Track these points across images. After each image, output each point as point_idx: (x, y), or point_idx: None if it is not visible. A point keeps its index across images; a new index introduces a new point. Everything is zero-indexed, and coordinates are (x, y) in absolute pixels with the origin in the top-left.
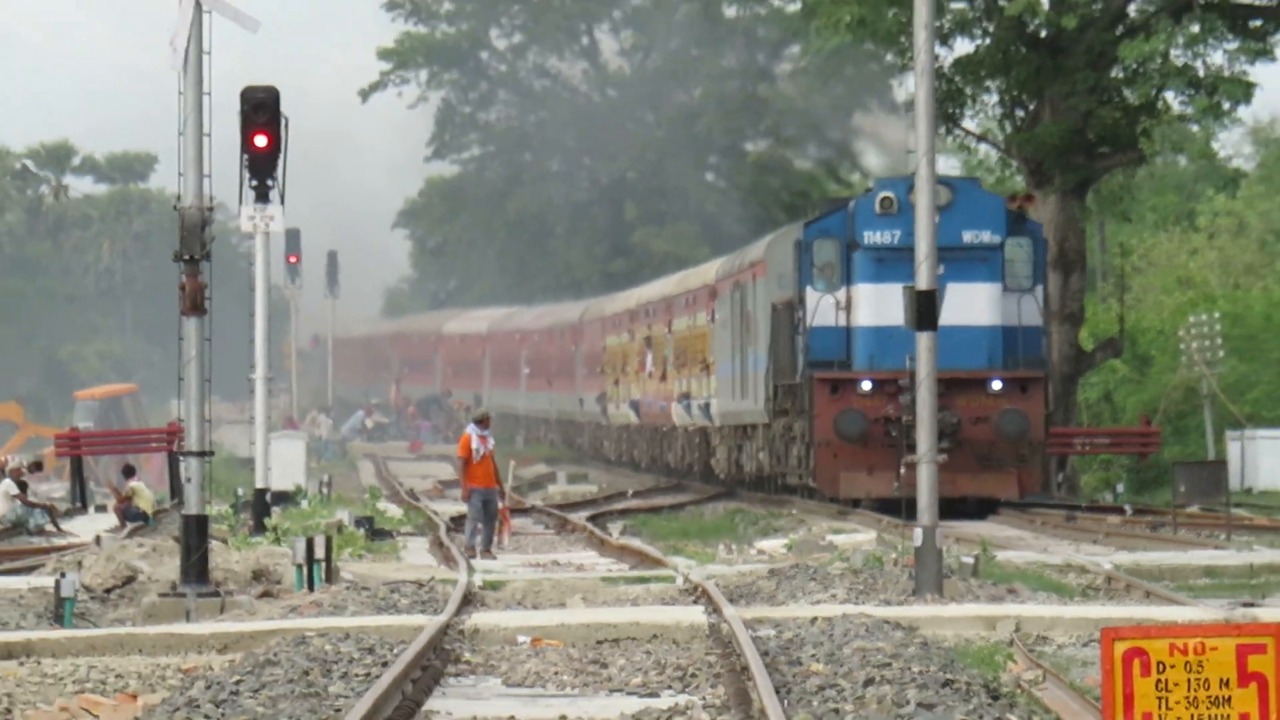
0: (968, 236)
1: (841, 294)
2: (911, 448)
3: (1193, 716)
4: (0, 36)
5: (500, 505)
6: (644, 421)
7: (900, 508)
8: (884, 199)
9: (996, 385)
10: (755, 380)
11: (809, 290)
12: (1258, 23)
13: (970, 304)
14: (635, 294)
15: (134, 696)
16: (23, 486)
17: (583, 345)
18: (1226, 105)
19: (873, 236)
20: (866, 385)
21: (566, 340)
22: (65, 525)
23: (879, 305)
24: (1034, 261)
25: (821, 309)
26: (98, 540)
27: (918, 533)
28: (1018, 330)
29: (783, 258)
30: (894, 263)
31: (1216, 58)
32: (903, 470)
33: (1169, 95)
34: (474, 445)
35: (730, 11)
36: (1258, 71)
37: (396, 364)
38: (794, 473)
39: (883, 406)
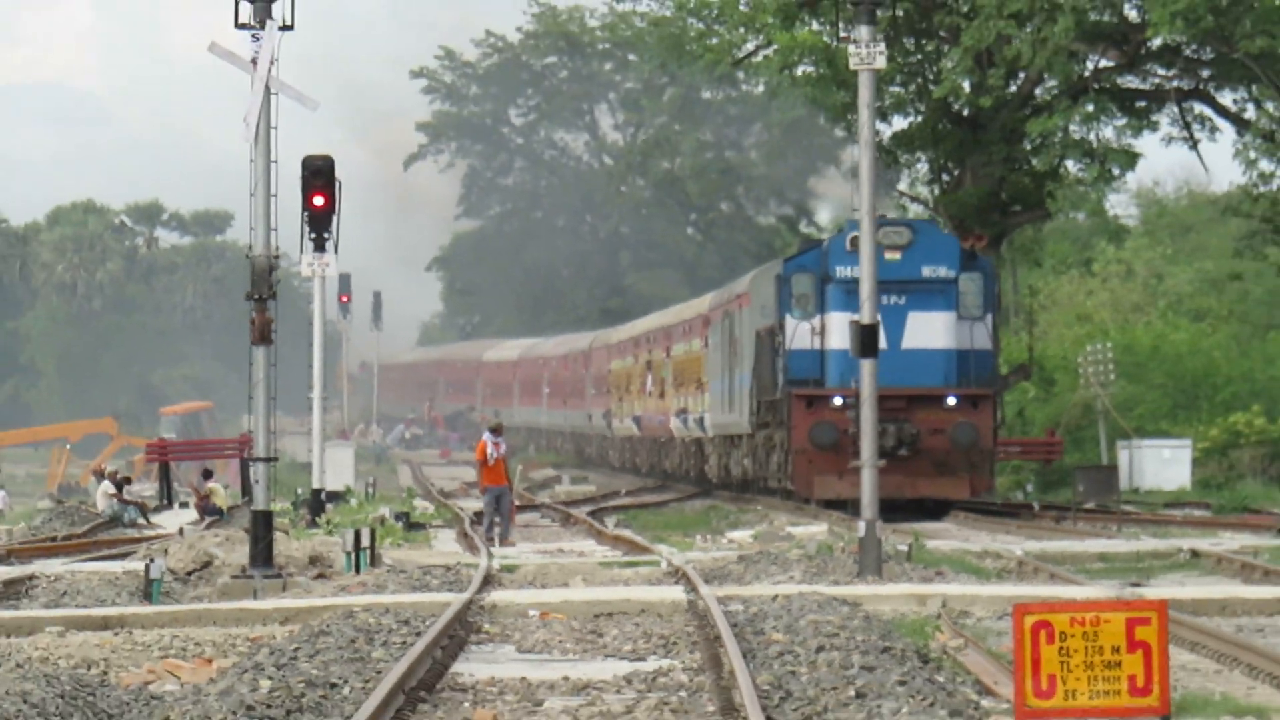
0: (926, 271)
1: (816, 321)
2: (858, 454)
3: (1089, 678)
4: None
5: (511, 501)
6: (644, 434)
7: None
8: (854, 238)
9: (951, 401)
10: (741, 396)
11: (788, 318)
12: (1142, 104)
13: (929, 330)
14: (638, 324)
15: (209, 661)
16: (119, 486)
17: (591, 369)
18: (1116, 171)
19: (843, 271)
20: (837, 401)
21: (579, 365)
22: (154, 519)
23: (848, 331)
24: (984, 293)
25: (799, 334)
26: (181, 532)
27: (861, 525)
28: (970, 353)
29: (765, 290)
30: None
31: (1108, 132)
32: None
33: (1069, 163)
34: (489, 450)
35: (706, 94)
36: (1141, 143)
37: (442, 386)
38: (773, 477)
39: (852, 419)
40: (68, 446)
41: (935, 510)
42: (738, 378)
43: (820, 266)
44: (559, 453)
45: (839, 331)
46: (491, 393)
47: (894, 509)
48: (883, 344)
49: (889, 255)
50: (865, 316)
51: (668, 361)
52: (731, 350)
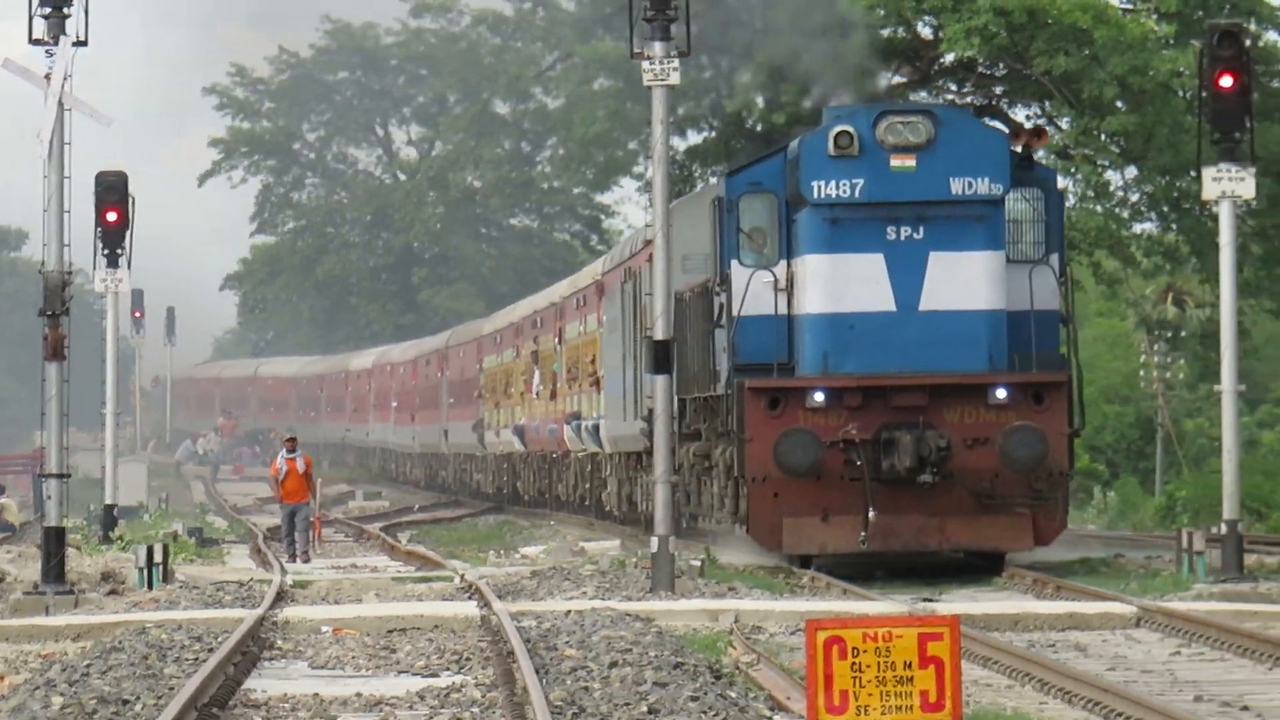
0: (957, 187)
1: (781, 270)
2: (883, 480)
3: (881, 693)
4: None
5: (313, 516)
6: (531, 449)
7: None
8: (840, 135)
9: (1001, 394)
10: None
11: (735, 266)
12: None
13: (962, 281)
14: (523, 304)
15: (1, 677)
16: None
17: (448, 372)
18: None
19: (825, 188)
20: (819, 397)
21: (432, 369)
22: None
23: (836, 285)
24: (1048, 221)
25: (754, 292)
26: None
27: (654, 541)
28: (1029, 316)
29: (695, 228)
30: (855, 224)
31: None
32: (872, 515)
33: None
34: (280, 466)
35: (502, 109)
36: None
37: (254, 401)
38: (711, 514)
39: (841, 426)
40: None
41: (979, 563)
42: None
43: (785, 183)
44: (406, 479)
45: (820, 285)
46: (334, 407)
47: (904, 563)
48: (888, 304)
49: (897, 162)
50: (658, 333)
51: (560, 348)
52: (638, 327)
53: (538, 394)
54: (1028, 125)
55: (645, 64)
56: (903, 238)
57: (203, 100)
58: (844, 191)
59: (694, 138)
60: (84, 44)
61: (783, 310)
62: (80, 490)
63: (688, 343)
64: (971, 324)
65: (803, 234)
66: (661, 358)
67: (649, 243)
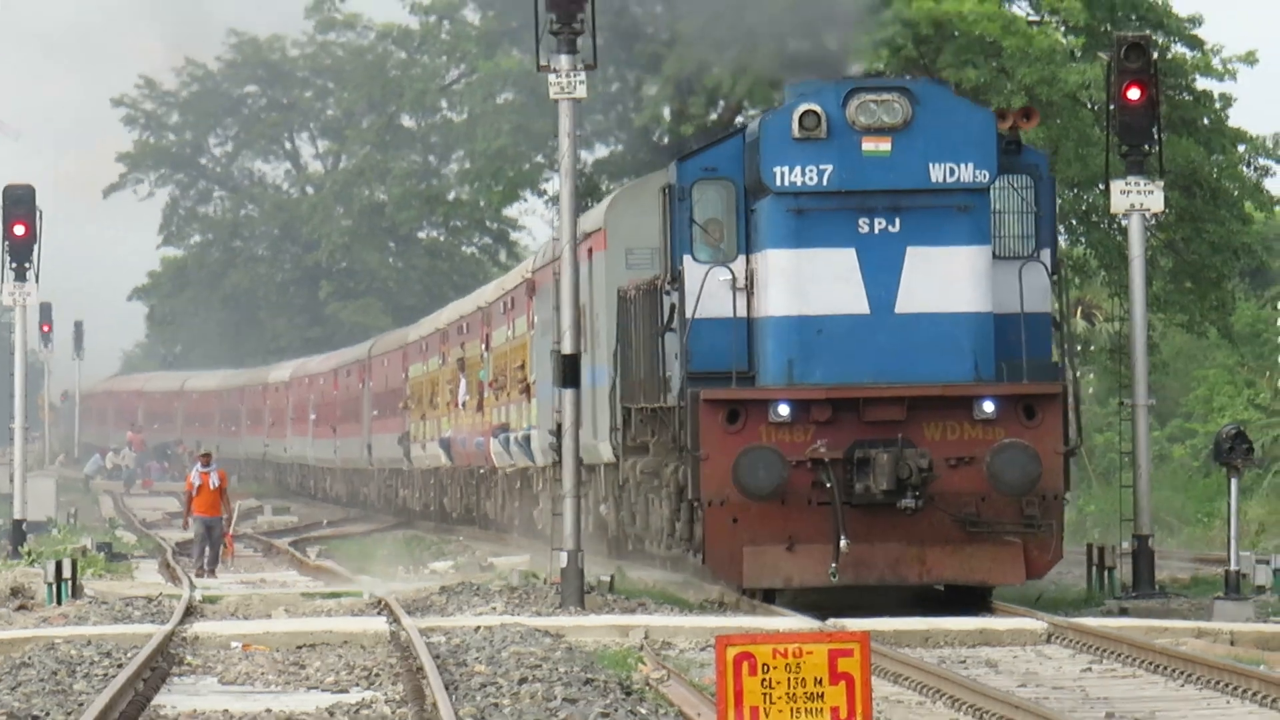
0: (938, 173)
1: (739, 266)
2: (856, 504)
3: (792, 710)
4: None
5: (225, 531)
6: (458, 464)
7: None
8: (806, 114)
9: (988, 407)
10: (594, 403)
11: (688, 262)
12: None
13: (943, 279)
14: (449, 309)
15: None
16: None
17: (371, 383)
18: None
19: (789, 175)
20: (784, 410)
21: (354, 380)
22: None
23: (801, 284)
24: (1038, 211)
25: (709, 291)
26: None
27: (562, 556)
28: (1018, 319)
29: (640, 219)
30: (823, 216)
31: None
32: (843, 545)
33: None
34: (194, 480)
35: (409, 122)
36: None
37: (142, 415)
38: (658, 538)
39: (809, 443)
40: None
41: (961, 597)
42: (585, 372)
43: (744, 169)
44: (327, 495)
45: (783, 284)
46: (255, 421)
47: (876, 598)
48: (861, 305)
49: (869, 146)
50: (566, 346)
51: (488, 356)
52: (575, 328)
53: (464, 405)
54: (1025, 110)
55: (551, 77)
56: (876, 231)
57: (111, 112)
58: (810, 179)
59: (601, 151)
60: None
61: (742, 312)
62: None
63: (633, 346)
64: (954, 328)
65: (764, 226)
66: (570, 371)
67: (589, 234)
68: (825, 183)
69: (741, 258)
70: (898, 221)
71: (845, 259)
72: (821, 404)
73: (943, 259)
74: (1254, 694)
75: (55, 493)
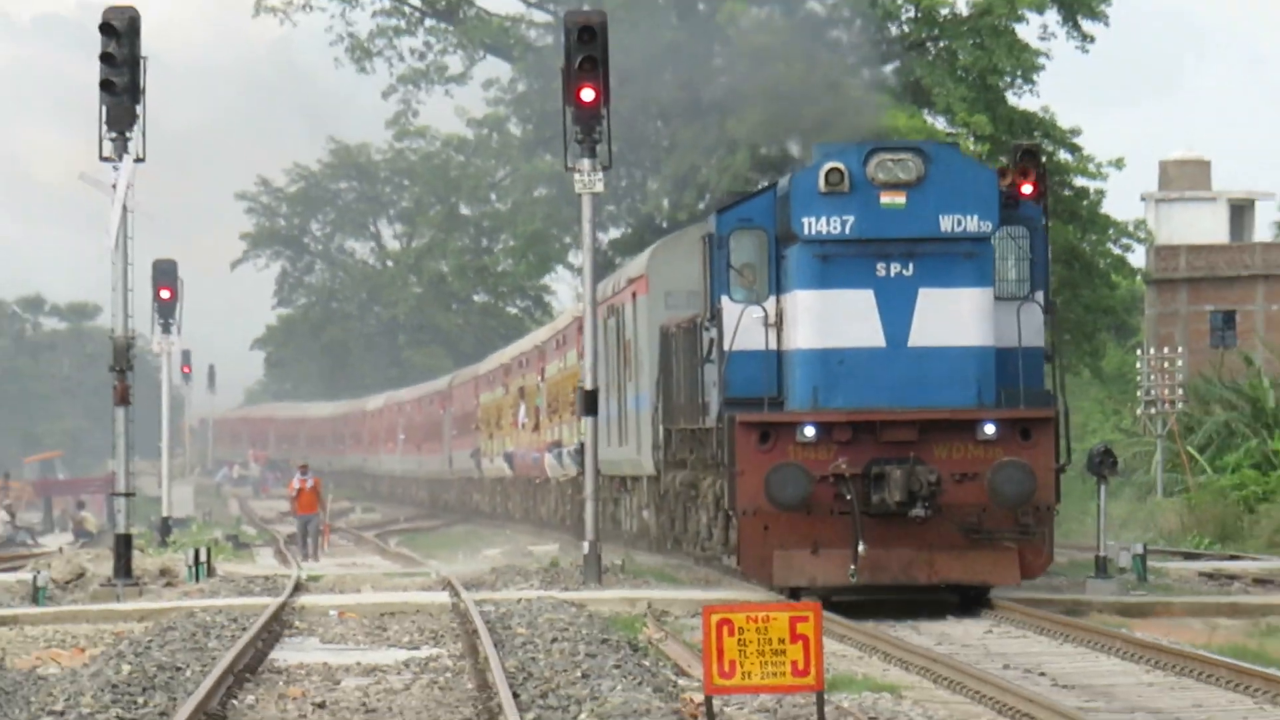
0: (946, 224)
1: (770, 305)
2: (873, 514)
3: (761, 662)
4: None
5: (322, 524)
6: (518, 474)
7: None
8: (831, 172)
9: (990, 430)
10: (639, 423)
11: (725, 302)
12: None
13: (951, 317)
14: (511, 348)
15: (83, 650)
16: (12, 515)
17: (452, 408)
18: None
19: (816, 224)
20: (810, 431)
21: (436, 407)
22: (40, 540)
23: (826, 320)
24: (1033, 259)
25: (744, 327)
26: (60, 550)
27: (585, 545)
28: (1017, 353)
29: (675, 267)
30: (845, 261)
31: None
32: (861, 550)
33: None
34: (295, 485)
35: (465, 210)
36: None
37: (271, 438)
38: (696, 541)
39: (831, 460)
40: None
41: (963, 599)
42: (630, 397)
43: (775, 220)
44: (412, 501)
45: (810, 321)
46: (363, 441)
47: (888, 597)
48: (878, 339)
49: (887, 199)
50: (588, 384)
51: (543, 385)
52: (621, 359)
53: (523, 425)
54: (1022, 169)
55: (576, 175)
56: (892, 274)
57: (235, 203)
58: (834, 228)
59: (614, 233)
60: (142, 160)
61: (773, 346)
62: (143, 505)
63: (673, 376)
64: (960, 360)
65: (793, 270)
66: (590, 403)
67: (633, 279)
68: (847, 232)
69: (772, 298)
70: (911, 266)
71: (864, 299)
72: (843, 426)
73: (951, 299)
74: (1116, 650)
75: (193, 496)
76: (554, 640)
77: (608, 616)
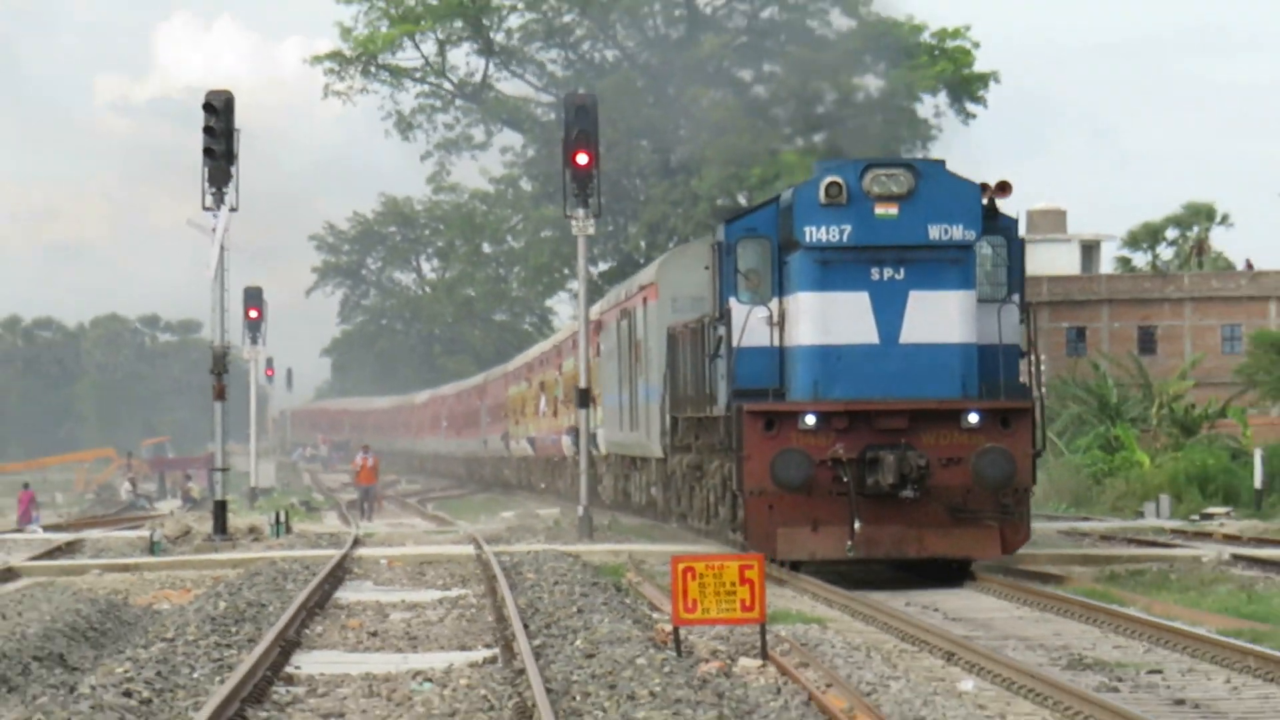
0: (935, 233)
1: (774, 306)
2: (867, 495)
3: (717, 600)
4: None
5: (378, 495)
6: (539, 454)
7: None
8: (831, 185)
9: (974, 419)
10: (648, 412)
11: (733, 303)
12: None
13: (939, 317)
14: (533, 350)
15: (188, 590)
16: (134, 485)
17: (486, 400)
18: None
19: (816, 233)
20: (811, 419)
21: (473, 399)
22: (155, 506)
23: (826, 319)
24: (1010, 264)
25: (751, 326)
26: (171, 513)
27: (580, 509)
28: (997, 350)
29: (682, 275)
30: (843, 266)
31: None
32: (857, 527)
33: None
34: (357, 462)
35: (488, 249)
36: None
37: (345, 425)
38: (702, 516)
39: (830, 446)
40: (86, 466)
41: (946, 572)
42: (641, 389)
43: (779, 229)
44: (452, 476)
45: (811, 319)
46: (412, 428)
47: (883, 572)
48: (872, 337)
49: (881, 210)
50: (582, 382)
51: (560, 378)
52: (633, 356)
53: (543, 414)
54: (1001, 184)
55: (573, 222)
56: (886, 278)
57: (308, 243)
58: (833, 236)
59: (603, 266)
60: (235, 209)
61: (775, 342)
62: (235, 478)
63: (679, 371)
64: (947, 356)
65: (795, 274)
66: (583, 398)
67: (644, 286)
68: (845, 239)
69: (775, 299)
70: (902, 271)
71: (860, 300)
72: (840, 415)
73: (938, 301)
74: (994, 591)
75: (274, 471)
76: (555, 583)
77: (597, 565)
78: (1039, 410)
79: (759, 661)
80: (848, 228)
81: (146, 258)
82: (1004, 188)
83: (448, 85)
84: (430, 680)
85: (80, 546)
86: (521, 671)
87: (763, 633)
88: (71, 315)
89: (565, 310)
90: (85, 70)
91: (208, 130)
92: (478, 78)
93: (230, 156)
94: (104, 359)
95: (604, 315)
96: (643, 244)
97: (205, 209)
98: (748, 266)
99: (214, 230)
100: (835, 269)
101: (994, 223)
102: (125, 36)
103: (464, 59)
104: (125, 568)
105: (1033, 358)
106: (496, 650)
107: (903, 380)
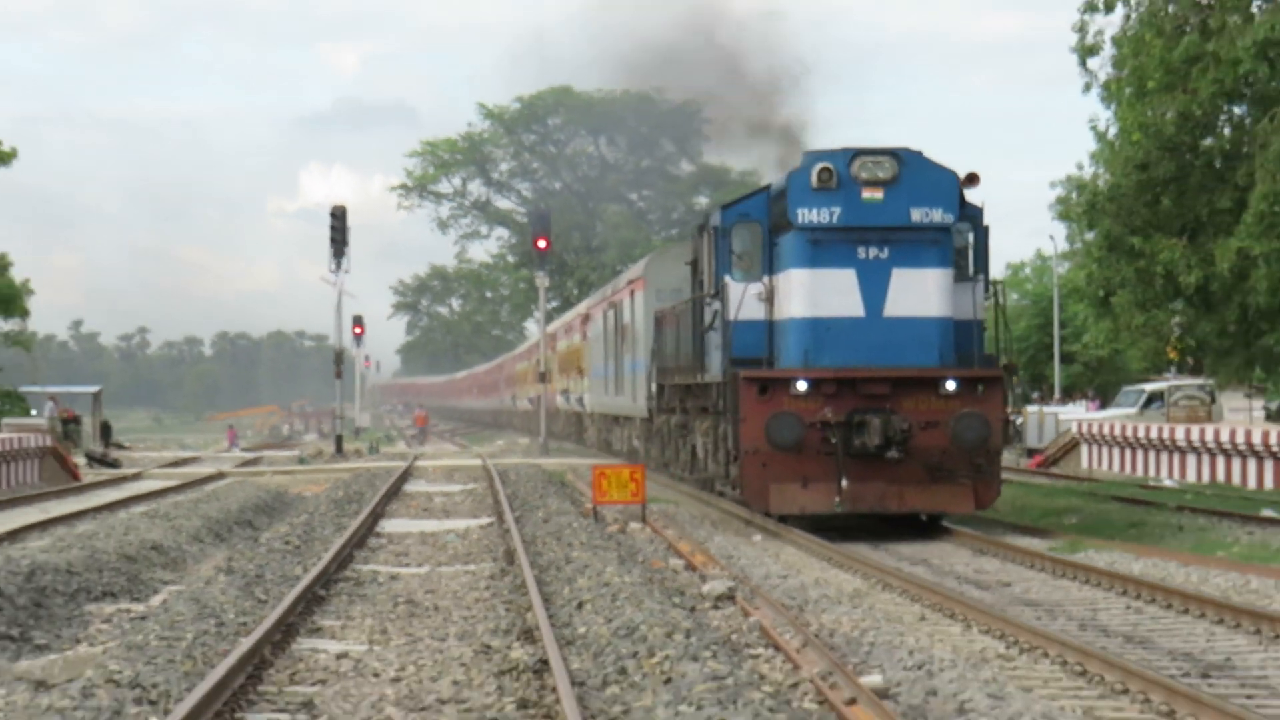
0: (916, 215)
1: (765, 283)
2: (854, 455)
3: (618, 490)
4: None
5: (427, 432)
6: (534, 408)
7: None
8: (823, 170)
9: (951, 386)
10: (634, 380)
11: (728, 280)
12: None
13: (919, 293)
14: (531, 340)
15: (321, 485)
16: (289, 425)
17: (503, 374)
18: None
19: (809, 214)
20: (802, 385)
21: (496, 373)
22: (302, 438)
23: (816, 294)
24: (978, 248)
25: (746, 301)
26: (310, 441)
27: (541, 438)
28: (971, 324)
29: (664, 271)
30: (832, 245)
31: None
32: (844, 484)
33: None
34: (417, 413)
35: (489, 295)
36: None
37: (419, 393)
38: (686, 467)
39: (819, 410)
40: (256, 419)
41: (925, 526)
42: (627, 364)
43: (770, 213)
44: (479, 423)
45: (802, 294)
46: (462, 392)
47: (866, 523)
48: (858, 310)
49: (867, 194)
50: (543, 367)
51: (553, 356)
52: (619, 337)
53: (535, 383)
54: (971, 174)
55: (536, 277)
56: (871, 257)
57: (389, 290)
58: (824, 218)
59: (555, 303)
60: (348, 271)
61: (766, 316)
62: (347, 423)
63: (665, 346)
64: (927, 328)
65: (787, 252)
66: (544, 376)
67: (633, 280)
68: (834, 221)
69: (765, 277)
70: (886, 250)
71: (848, 277)
72: (829, 382)
73: (919, 278)
74: (944, 537)
75: (369, 419)
76: (527, 481)
77: (550, 470)
78: (1010, 378)
79: (641, 525)
80: (837, 210)
81: (298, 298)
82: (972, 179)
83: (466, 202)
84: (456, 534)
85: (260, 460)
86: (507, 530)
87: (643, 509)
88: (256, 330)
89: (532, 328)
90: (260, 193)
91: (332, 228)
92: (483, 199)
93: (344, 241)
94: (274, 356)
95: (591, 309)
96: (575, 291)
97: (330, 270)
98: (741, 248)
99: (335, 281)
100: (825, 248)
101: (962, 209)
102: (282, 174)
103: (476, 188)
104: (286, 472)
105: (1008, 329)
106: (494, 519)
107: (886, 350)
